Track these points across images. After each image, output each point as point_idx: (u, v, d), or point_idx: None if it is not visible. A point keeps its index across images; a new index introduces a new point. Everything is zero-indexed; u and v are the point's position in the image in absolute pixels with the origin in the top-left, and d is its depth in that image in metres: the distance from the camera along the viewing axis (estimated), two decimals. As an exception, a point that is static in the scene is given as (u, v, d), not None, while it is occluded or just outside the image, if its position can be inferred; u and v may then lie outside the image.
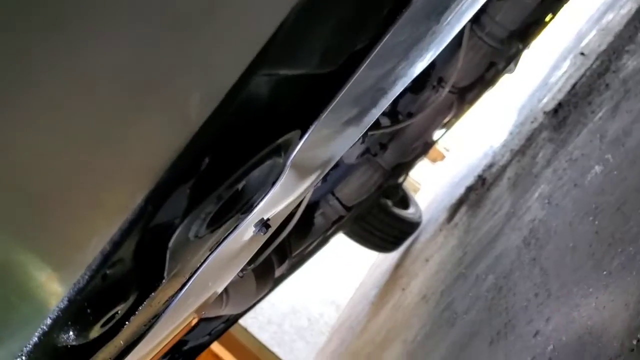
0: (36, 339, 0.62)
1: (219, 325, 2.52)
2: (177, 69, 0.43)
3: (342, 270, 8.10)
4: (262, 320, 7.35)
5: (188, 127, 0.50)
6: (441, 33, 0.93)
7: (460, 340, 2.05)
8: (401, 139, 3.03)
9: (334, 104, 0.67)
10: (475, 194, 4.58)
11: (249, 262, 2.09)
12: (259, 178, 0.71)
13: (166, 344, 1.45)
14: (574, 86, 3.90)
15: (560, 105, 3.78)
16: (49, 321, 0.61)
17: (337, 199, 2.95)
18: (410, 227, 5.72)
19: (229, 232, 0.86)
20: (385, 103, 1.05)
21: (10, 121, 0.36)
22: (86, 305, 0.63)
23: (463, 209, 4.63)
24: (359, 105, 0.88)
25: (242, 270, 2.08)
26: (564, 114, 3.51)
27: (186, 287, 0.94)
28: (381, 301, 5.41)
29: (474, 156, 6.57)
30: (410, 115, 2.70)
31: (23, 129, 0.38)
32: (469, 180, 5.23)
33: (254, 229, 1.09)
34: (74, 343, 0.67)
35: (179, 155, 0.54)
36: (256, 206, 0.81)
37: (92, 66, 0.40)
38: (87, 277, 0.59)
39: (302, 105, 0.64)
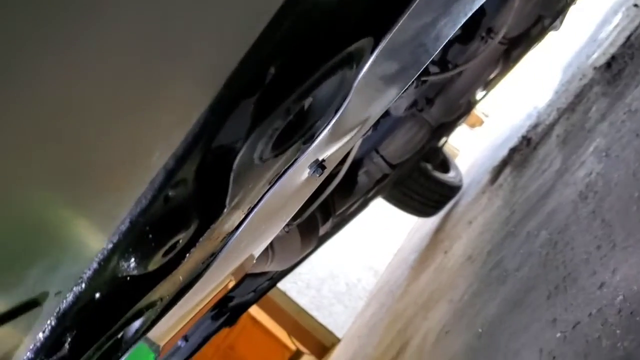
0: (96, 264, 0.58)
1: (263, 282, 2.50)
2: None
3: (380, 236, 8.06)
4: (301, 285, 7.40)
5: (253, 28, 0.45)
6: None
7: (514, 297, 1.99)
8: (448, 93, 2.93)
9: (410, 10, 0.61)
10: (520, 154, 4.46)
11: (294, 218, 2.05)
12: (326, 95, 0.65)
13: (215, 295, 1.43)
14: (628, 38, 3.71)
15: (613, 58, 3.61)
16: (110, 245, 0.57)
17: (382, 156, 2.87)
18: (450, 190, 5.63)
19: (289, 163, 0.81)
20: (426, 59, 0.97)
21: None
22: (148, 230, 0.59)
23: (507, 170, 4.52)
24: (400, 62, 0.82)
25: (287, 225, 2.04)
26: (618, 67, 3.34)
27: (244, 224, 0.89)
28: (421, 265, 5.35)
29: (516, 118, 6.40)
30: (456, 65, 2.59)
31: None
32: (512, 142, 5.09)
33: (309, 170, 1.04)
34: (134, 273, 0.64)
35: (243, 59, 0.49)
36: (318, 136, 0.76)
37: None
38: (149, 196, 0.54)
39: (377, 9, 0.58)
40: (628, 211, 1.62)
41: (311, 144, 0.79)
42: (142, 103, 0.45)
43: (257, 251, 1.33)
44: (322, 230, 2.45)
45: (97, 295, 0.64)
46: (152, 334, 0.95)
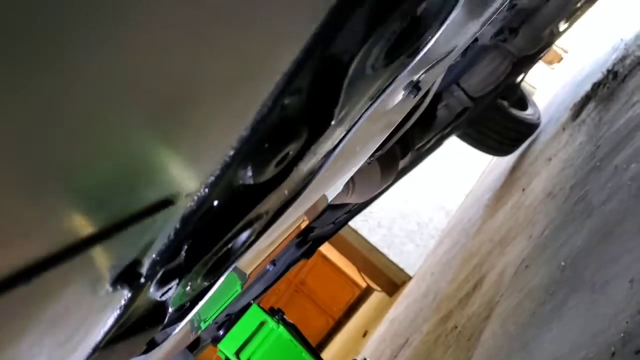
0: (219, 171, 0.61)
1: (342, 215, 2.55)
2: None
3: (451, 177, 7.96)
4: (372, 223, 7.47)
5: None
6: None
7: (601, 229, 1.94)
8: (532, 23, 2.79)
9: None
10: (606, 88, 4.24)
11: (375, 150, 2.06)
12: (437, 3, 0.64)
13: (305, 219, 1.47)
14: None
15: None
16: (232, 152, 0.59)
17: (462, 89, 2.81)
18: (528, 128, 5.45)
19: (394, 76, 0.81)
20: None
21: None
22: (264, 138, 0.61)
23: (591, 105, 4.32)
24: None
25: (368, 158, 2.05)
26: None
27: (342, 143, 0.91)
28: (497, 203, 5.28)
29: (599, 53, 6.05)
30: (544, -7, 2.46)
31: None
32: (596, 77, 4.84)
33: (404, 91, 1.03)
34: (249, 182, 0.67)
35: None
36: (423, 49, 0.75)
37: None
38: (269, 104, 0.56)
39: None
40: None
41: (415, 57, 0.79)
42: (265, 12, 0.46)
43: (344, 179, 1.35)
44: (401, 164, 2.45)
45: (215, 202, 0.67)
46: (246, 257, 1.00)
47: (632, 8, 6.03)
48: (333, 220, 2.42)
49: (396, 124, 1.24)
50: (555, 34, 3.78)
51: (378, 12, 0.54)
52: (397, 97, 1.00)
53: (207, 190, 0.62)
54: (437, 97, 2.77)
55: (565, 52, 9.91)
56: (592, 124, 3.76)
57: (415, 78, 1.02)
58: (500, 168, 6.43)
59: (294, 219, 1.18)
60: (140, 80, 0.41)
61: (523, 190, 4.41)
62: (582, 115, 4.41)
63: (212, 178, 0.61)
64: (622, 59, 4.58)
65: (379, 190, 2.43)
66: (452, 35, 0.88)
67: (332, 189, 1.45)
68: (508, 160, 6.04)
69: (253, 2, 0.44)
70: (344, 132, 0.84)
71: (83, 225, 0.45)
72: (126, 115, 0.40)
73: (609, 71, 4.61)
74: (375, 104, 0.84)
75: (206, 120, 0.51)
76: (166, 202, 0.54)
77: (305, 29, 0.51)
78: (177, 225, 0.64)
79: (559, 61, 10.02)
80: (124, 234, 0.51)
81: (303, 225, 1.47)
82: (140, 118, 0.43)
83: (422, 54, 0.76)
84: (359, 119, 0.85)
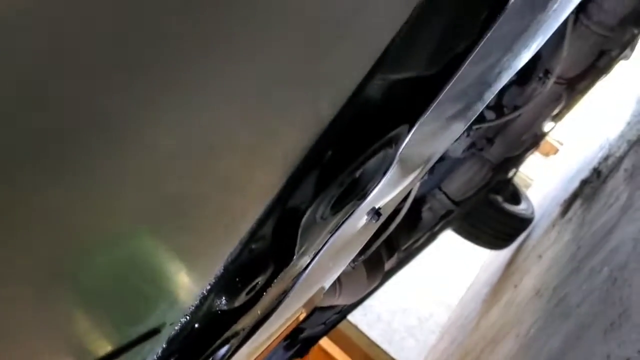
0: (198, 302, 0.76)
1: (332, 315, 2.65)
2: (314, 80, 0.55)
3: (452, 270, 8.02)
4: (372, 317, 7.45)
5: (319, 125, 0.62)
6: (547, 21, 0.97)
7: (575, 332, 2.05)
8: (508, 132, 3.01)
9: (438, 100, 0.77)
10: (591, 187, 4.43)
11: (360, 254, 2.21)
12: (373, 167, 0.82)
13: (288, 326, 1.60)
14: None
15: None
16: (208, 287, 0.75)
17: (444, 193, 2.99)
18: (521, 223, 5.58)
19: (347, 215, 0.97)
20: (489, 96, 1.11)
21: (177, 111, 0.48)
22: (236, 274, 0.77)
23: (577, 203, 4.49)
24: (463, 100, 0.96)
25: (353, 261, 2.20)
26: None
27: (310, 266, 1.07)
28: (493, 299, 5.33)
29: (590, 148, 6.29)
30: (516, 108, 2.69)
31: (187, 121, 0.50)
32: (584, 174, 5.04)
33: (366, 217, 1.20)
34: (224, 308, 0.82)
35: (311, 148, 0.66)
36: (369, 194, 0.92)
37: (246, 75, 0.52)
38: (238, 249, 0.72)
39: (409, 103, 0.74)
40: (682, 250, 1.67)
41: (364, 199, 0.96)
42: (240, 187, 0.63)
43: (326, 284, 1.49)
44: (387, 266, 2.58)
45: (196, 325, 0.82)
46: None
47: (620, 105, 6.32)
48: (323, 321, 2.53)
49: (366, 240, 1.40)
50: (539, 135, 4.00)
51: (320, 182, 0.71)
52: (360, 222, 1.16)
53: (188, 317, 0.77)
54: (421, 200, 2.95)
55: (561, 144, 10.19)
56: (577, 223, 3.91)
57: (377, 205, 1.18)
58: (498, 261, 6.52)
59: (273, 328, 1.31)
60: (142, 244, 0.57)
61: (515, 286, 4.49)
62: (569, 212, 4.57)
63: (192, 308, 0.76)
64: (606, 158, 4.79)
65: (366, 292, 2.56)
66: (399, 177, 1.05)
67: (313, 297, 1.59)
68: (505, 254, 6.14)
69: (227, 181, 0.61)
70: (310, 259, 1.00)
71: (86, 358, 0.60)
72: (129, 275, 0.56)
73: (594, 169, 4.80)
74: (336, 234, 1.00)
75: (189, 269, 0.68)
76: (154, 331, 0.70)
77: (266, 199, 0.68)
78: (164, 345, 0.79)
79: (555, 152, 10.28)
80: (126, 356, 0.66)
81: (290, 328, 1.59)
82: (138, 276, 0.59)
83: (372, 194, 0.93)
84: (322, 247, 1.01)
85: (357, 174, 0.77)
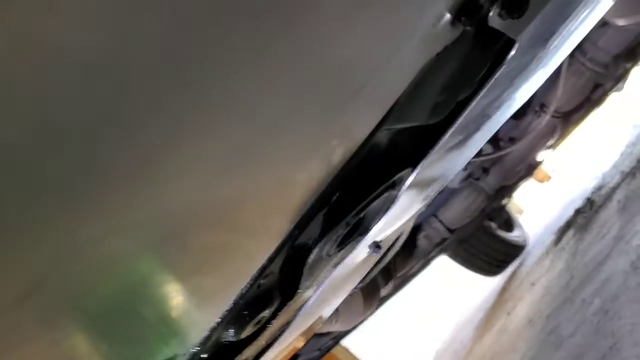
0: (208, 333, 0.80)
1: (328, 341, 2.68)
2: (330, 133, 0.59)
3: (447, 294, 8.04)
4: (365, 340, 7.46)
5: (330, 172, 0.67)
6: (547, 57, 1.02)
7: (566, 363, 2.08)
8: (504, 163, 3.08)
9: (440, 143, 0.82)
10: (584, 216, 4.48)
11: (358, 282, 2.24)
12: (376, 208, 0.86)
13: (287, 353, 1.63)
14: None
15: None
16: (218, 319, 0.79)
17: (440, 221, 3.04)
18: (515, 250, 5.62)
19: (350, 251, 1.02)
20: (490, 128, 1.15)
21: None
22: (244, 308, 0.81)
23: (570, 232, 4.54)
24: (464, 133, 1.01)
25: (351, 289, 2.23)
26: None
27: (313, 298, 1.10)
28: (486, 325, 5.35)
29: (584, 177, 6.36)
30: (512, 140, 2.75)
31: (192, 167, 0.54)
32: (578, 203, 5.10)
33: (368, 249, 1.24)
34: (232, 339, 0.86)
35: (321, 193, 0.71)
36: (371, 229, 0.97)
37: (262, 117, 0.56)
38: (248, 285, 0.76)
39: (412, 149, 0.79)
40: (671, 285, 1.72)
41: (366, 235, 1.00)
42: (255, 231, 0.67)
43: (325, 314, 1.53)
44: (383, 292, 2.62)
45: (204, 355, 0.86)
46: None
47: (614, 135, 6.41)
48: (319, 347, 2.55)
49: (367, 271, 1.44)
50: (534, 164, 4.07)
51: (328, 223, 0.76)
52: (361, 255, 1.21)
53: (198, 348, 0.81)
54: (418, 228, 2.99)
55: (554, 171, 10.28)
56: (570, 252, 3.96)
57: (376, 239, 1.23)
58: (492, 287, 6.55)
59: (273, 355, 1.35)
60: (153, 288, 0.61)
61: (508, 314, 4.52)
62: (562, 241, 4.62)
63: (202, 339, 0.80)
64: (599, 188, 4.85)
65: (363, 317, 2.59)
66: (400, 212, 1.10)
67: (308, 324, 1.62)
68: (498, 280, 6.17)
69: (235, 234, 0.65)
70: (313, 292, 1.04)
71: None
72: (146, 319, 0.60)
73: (588, 199, 4.86)
74: (339, 268, 1.04)
75: (202, 305, 0.72)
76: (167, 362, 0.73)
77: (277, 240, 0.72)
78: (174, 375, 0.82)
79: (549, 180, 10.36)
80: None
81: (290, 354, 1.63)
82: (154, 313, 0.63)
83: (373, 231, 0.98)
84: (325, 281, 1.05)
85: (362, 215, 0.82)
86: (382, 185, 0.77)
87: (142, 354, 0.68)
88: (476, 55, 0.68)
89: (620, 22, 2.37)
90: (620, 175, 4.29)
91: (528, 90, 1.17)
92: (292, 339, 1.40)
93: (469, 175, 2.91)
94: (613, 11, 2.20)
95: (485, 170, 3.00)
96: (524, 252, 5.66)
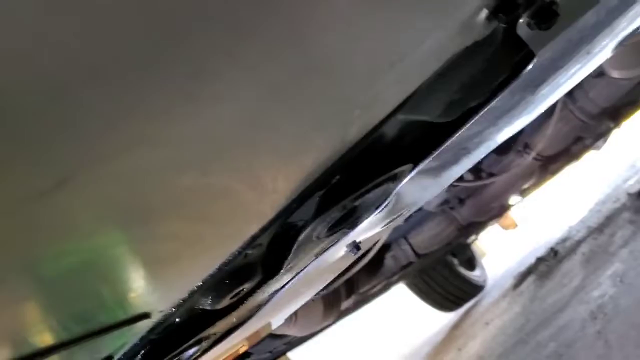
0: (186, 295, 0.79)
1: (280, 345, 2.66)
2: (359, 99, 0.59)
3: (393, 324, 8.06)
4: None
5: (337, 152, 0.67)
6: (533, 103, 1.05)
7: (514, 400, 2.10)
8: (480, 196, 3.12)
9: (442, 147, 0.83)
10: (546, 264, 4.56)
11: (323, 287, 2.23)
12: (371, 199, 0.86)
13: (247, 341, 1.61)
14: (662, 171, 3.87)
15: (646, 187, 3.76)
16: (199, 282, 0.78)
17: (410, 244, 3.05)
18: (473, 289, 5.67)
19: (334, 242, 1.02)
20: (466, 164, 1.17)
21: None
22: (227, 276, 0.80)
23: (531, 278, 4.61)
24: (442, 161, 1.03)
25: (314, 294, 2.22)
26: (648, 197, 3.49)
27: (288, 284, 1.10)
28: (434, 358, 5.37)
29: (548, 228, 6.48)
30: (491, 175, 2.79)
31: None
32: (541, 251, 5.19)
33: (346, 248, 1.24)
34: (207, 307, 0.84)
35: (324, 171, 0.71)
36: (361, 221, 0.97)
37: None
38: (236, 252, 0.76)
39: (418, 145, 0.80)
40: (628, 335, 1.75)
41: (353, 229, 1.00)
42: (255, 198, 0.67)
43: (288, 313, 1.52)
44: (343, 305, 2.61)
45: (177, 319, 0.85)
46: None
47: (583, 192, 6.56)
48: (271, 349, 2.53)
49: (337, 273, 1.44)
50: (505, 206, 4.13)
51: (326, 202, 0.76)
52: (339, 252, 1.21)
53: (173, 309, 0.80)
54: (387, 247, 3.00)
55: (521, 220, 10.45)
56: (528, 297, 4.01)
57: (357, 239, 1.23)
58: (442, 323, 6.59)
59: (235, 341, 1.33)
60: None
61: (459, 350, 4.55)
62: (522, 286, 4.68)
63: (180, 301, 0.79)
64: (564, 240, 4.95)
65: (319, 327, 2.57)
66: (387, 213, 1.11)
67: (275, 320, 1.61)
68: (450, 316, 6.22)
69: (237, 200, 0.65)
70: (291, 277, 1.03)
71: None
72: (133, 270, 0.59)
73: (551, 249, 4.96)
74: (320, 258, 1.04)
75: (190, 261, 0.71)
76: (145, 315, 0.72)
77: (274, 211, 0.72)
78: (144, 333, 0.81)
79: (514, 227, 10.52)
80: (111, 334, 0.68)
81: (242, 350, 1.61)
82: (145, 259, 0.62)
83: (359, 227, 0.98)
84: (304, 268, 1.04)
85: (358, 202, 0.82)
86: (384, 175, 0.78)
87: (126, 297, 0.66)
88: (497, 60, 0.69)
89: (615, 74, 2.44)
90: (587, 230, 4.38)
91: (508, 133, 1.20)
92: (255, 328, 1.39)
93: (445, 202, 2.94)
94: (610, 61, 2.26)
95: (461, 201, 3.03)
96: (482, 292, 5.72)
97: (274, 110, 0.56)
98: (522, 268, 5.19)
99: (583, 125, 2.82)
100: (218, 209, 0.62)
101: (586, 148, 3.75)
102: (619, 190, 4.85)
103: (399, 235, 3.03)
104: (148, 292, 0.69)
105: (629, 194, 4.14)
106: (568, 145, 3.43)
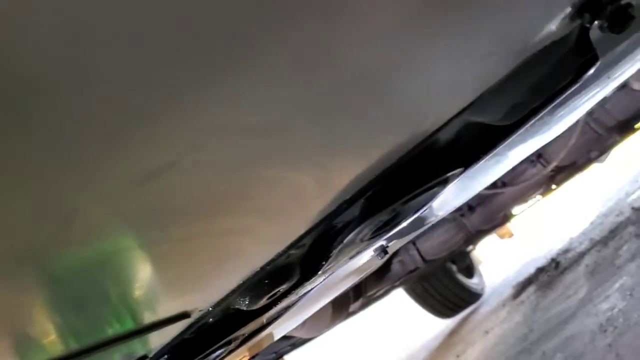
0: (226, 293, 0.76)
1: (286, 346, 2.63)
2: (413, 111, 0.57)
3: (391, 328, 8.04)
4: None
5: (397, 151, 0.64)
6: (549, 124, 1.03)
7: (522, 410, 2.07)
8: (490, 204, 3.10)
9: (492, 152, 0.80)
10: (547, 275, 4.54)
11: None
12: (415, 204, 0.84)
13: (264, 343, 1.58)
14: (668, 186, 3.86)
15: (651, 202, 3.75)
16: (240, 281, 0.75)
17: (418, 250, 3.03)
18: (471, 296, 5.65)
19: (370, 244, 0.99)
20: (498, 170, 1.15)
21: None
22: (268, 276, 0.77)
23: (531, 288, 4.59)
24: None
25: (323, 297, 2.19)
26: (654, 212, 3.48)
27: (317, 287, 1.07)
28: (431, 364, 5.34)
29: (546, 238, 6.48)
30: (504, 184, 2.77)
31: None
32: (540, 262, 5.18)
33: (373, 252, 1.21)
34: (243, 307, 0.81)
35: (379, 174, 0.68)
36: (403, 223, 0.94)
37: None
38: (281, 252, 0.73)
39: (471, 148, 0.77)
40: (643, 350, 1.73)
41: (389, 233, 0.97)
42: (308, 197, 0.64)
43: (307, 316, 1.49)
44: (352, 307, 2.58)
45: (211, 319, 0.81)
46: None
47: (584, 204, 6.56)
48: (276, 350, 2.50)
49: (358, 278, 1.41)
50: (509, 216, 4.11)
51: (371, 205, 0.73)
52: (367, 256, 1.18)
53: (210, 308, 0.76)
54: (395, 252, 2.97)
55: (517, 229, 10.47)
56: (529, 307, 3.99)
57: (385, 244, 1.20)
58: (439, 329, 6.57)
59: (254, 342, 1.30)
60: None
61: (457, 356, 4.52)
62: (522, 296, 4.67)
63: (219, 299, 0.76)
64: (565, 251, 4.94)
65: (328, 329, 2.55)
66: (421, 219, 1.08)
67: (279, 330, 1.58)
68: (448, 322, 6.20)
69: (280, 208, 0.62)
70: (322, 280, 1.00)
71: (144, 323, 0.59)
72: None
73: (552, 260, 4.94)
74: (353, 260, 1.01)
75: (236, 260, 0.67)
76: (185, 314, 0.69)
77: (324, 210, 0.69)
78: (179, 333, 0.77)
79: (510, 236, 10.54)
80: (151, 334, 0.65)
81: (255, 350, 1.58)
82: (195, 256, 0.59)
83: (395, 230, 0.95)
84: (335, 271, 1.01)
85: (406, 206, 0.79)
86: (437, 179, 0.75)
87: (165, 301, 0.63)
88: (565, 62, 0.67)
89: (637, 86, 2.41)
90: (590, 242, 4.37)
91: (522, 153, 1.17)
92: (279, 330, 1.36)
93: (457, 209, 2.91)
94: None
95: (471, 208, 3.01)
96: (480, 300, 5.70)
97: (344, 109, 0.53)
98: (521, 278, 5.18)
99: (597, 138, 2.79)
100: (278, 202, 0.59)
101: (591, 161, 3.73)
102: (621, 203, 4.84)
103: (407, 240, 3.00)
104: (192, 290, 0.66)
105: (634, 208, 4.13)
106: (576, 157, 3.42)
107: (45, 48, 0.27)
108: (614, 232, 3.99)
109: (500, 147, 0.82)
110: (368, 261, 1.25)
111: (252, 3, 0.35)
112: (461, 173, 0.81)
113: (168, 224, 0.52)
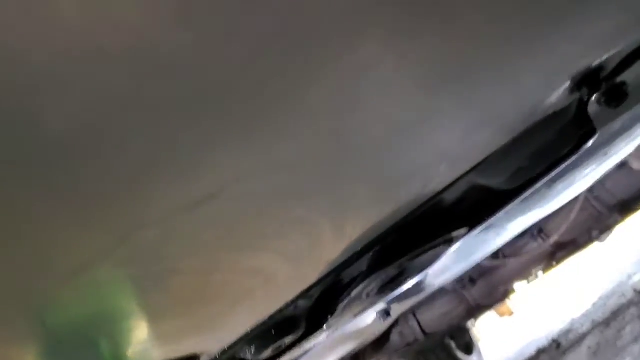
0: (233, 342, 0.77)
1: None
2: (423, 171, 0.61)
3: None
4: None
5: (406, 208, 0.68)
6: (547, 198, 1.07)
7: None
8: (490, 278, 3.09)
9: (496, 216, 0.84)
10: (548, 356, 4.47)
11: None
12: (420, 262, 0.86)
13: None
14: (670, 269, 3.85)
15: (654, 287, 3.74)
16: (248, 330, 0.76)
17: (418, 321, 3.00)
18: (469, 374, 5.52)
19: (373, 304, 1.00)
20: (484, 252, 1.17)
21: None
22: (275, 326, 0.79)
23: (532, 369, 4.50)
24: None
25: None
26: (657, 296, 3.46)
27: (320, 344, 1.07)
28: None
29: (547, 319, 6.40)
30: (505, 256, 2.78)
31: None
32: (541, 343, 5.10)
33: (377, 315, 1.22)
34: (247, 357, 0.83)
35: (387, 230, 0.71)
36: (405, 285, 0.96)
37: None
38: (290, 302, 0.75)
39: (477, 210, 0.80)
40: None
41: (396, 290, 0.99)
42: (322, 243, 0.67)
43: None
44: (348, 377, 2.54)
45: (217, 367, 0.82)
46: None
47: (585, 285, 6.51)
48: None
49: (359, 342, 1.41)
50: (510, 291, 4.07)
51: (381, 259, 0.75)
52: (370, 318, 1.19)
53: (217, 356, 0.78)
54: (395, 322, 2.95)
55: (517, 308, 10.30)
56: (529, 388, 3.91)
57: (388, 306, 1.21)
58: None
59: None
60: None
61: None
62: (523, 376, 4.57)
63: (226, 348, 0.77)
64: (567, 332, 4.88)
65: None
66: (423, 283, 1.10)
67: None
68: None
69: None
70: (324, 338, 1.01)
71: None
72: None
73: (554, 340, 4.87)
74: (357, 319, 1.02)
75: (248, 308, 0.70)
76: (195, 357, 0.70)
77: (334, 261, 0.71)
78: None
79: (510, 315, 10.36)
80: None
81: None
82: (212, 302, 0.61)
83: (401, 289, 0.97)
84: (338, 329, 1.02)
85: (412, 263, 0.82)
86: (443, 237, 0.78)
87: (177, 341, 0.65)
88: (565, 132, 0.71)
89: (636, 165, 2.46)
90: (592, 324, 4.32)
91: (521, 225, 1.21)
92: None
93: (459, 280, 2.91)
94: (633, 151, 2.29)
95: (473, 281, 3.00)
96: (478, 379, 5.57)
97: (362, 170, 0.57)
98: (522, 358, 5.08)
99: (598, 216, 2.82)
100: (296, 244, 0.62)
101: (592, 239, 3.73)
102: (624, 286, 4.82)
103: (408, 310, 2.98)
104: (204, 332, 0.68)
105: (636, 291, 4.11)
106: (577, 235, 3.42)
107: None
108: (616, 314, 3.96)
109: (503, 212, 0.86)
110: (370, 324, 1.25)
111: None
112: (466, 233, 0.84)
113: (181, 262, 0.55)
